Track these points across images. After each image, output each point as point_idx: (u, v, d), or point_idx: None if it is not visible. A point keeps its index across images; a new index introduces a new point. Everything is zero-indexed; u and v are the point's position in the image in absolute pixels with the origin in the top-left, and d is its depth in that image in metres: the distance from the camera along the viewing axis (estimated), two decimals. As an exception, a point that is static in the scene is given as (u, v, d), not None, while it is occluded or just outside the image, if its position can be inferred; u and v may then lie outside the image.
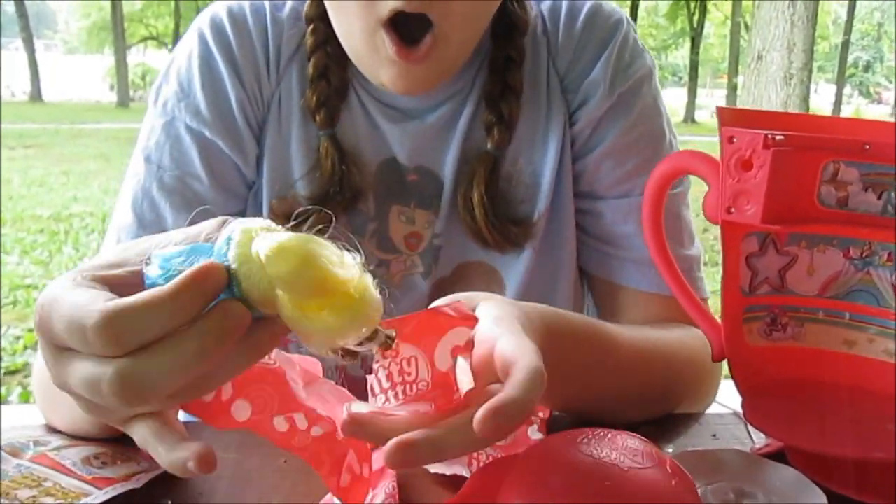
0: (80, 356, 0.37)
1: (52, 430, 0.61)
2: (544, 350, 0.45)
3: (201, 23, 0.80)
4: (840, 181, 0.59)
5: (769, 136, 0.56)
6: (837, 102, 26.78)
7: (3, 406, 2.88)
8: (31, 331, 3.65)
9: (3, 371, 3.21)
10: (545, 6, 0.83)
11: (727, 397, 0.72)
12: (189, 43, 0.80)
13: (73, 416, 0.59)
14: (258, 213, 0.80)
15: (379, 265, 0.80)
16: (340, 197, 0.77)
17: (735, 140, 0.57)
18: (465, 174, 0.79)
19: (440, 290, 0.80)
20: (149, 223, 0.75)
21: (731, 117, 0.60)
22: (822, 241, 0.63)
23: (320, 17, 0.77)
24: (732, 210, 0.58)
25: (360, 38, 0.70)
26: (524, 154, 0.80)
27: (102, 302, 0.36)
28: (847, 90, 33.25)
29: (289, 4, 0.81)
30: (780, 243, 0.63)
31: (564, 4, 0.82)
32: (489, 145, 0.78)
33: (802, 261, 0.64)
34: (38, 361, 0.64)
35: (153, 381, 0.35)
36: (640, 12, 30.22)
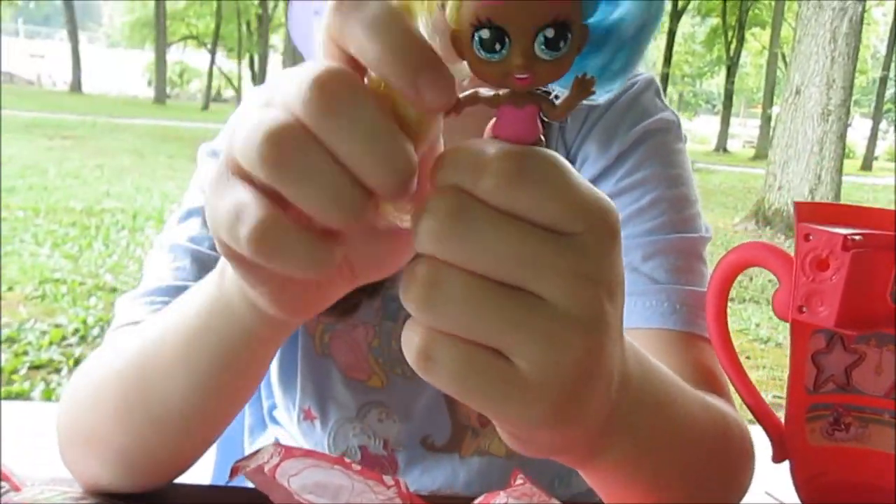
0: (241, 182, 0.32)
1: (88, 490, 0.60)
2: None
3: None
4: (915, 280, 0.57)
5: (849, 237, 0.54)
6: (873, 138, 26.48)
7: (26, 402, 2.91)
8: (57, 326, 3.69)
9: (28, 365, 3.23)
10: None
11: (782, 492, 0.69)
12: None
13: (98, 466, 0.57)
14: None
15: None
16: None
17: (811, 238, 0.56)
18: None
19: None
20: None
21: (807, 212, 0.58)
22: (893, 341, 0.61)
23: None
24: (804, 309, 0.56)
25: None
26: None
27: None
28: (883, 125, 32.85)
29: None
30: (849, 341, 0.61)
31: None
32: None
33: (871, 359, 0.62)
34: (63, 402, 0.61)
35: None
36: (678, 38, 30.16)
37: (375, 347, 0.78)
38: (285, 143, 0.29)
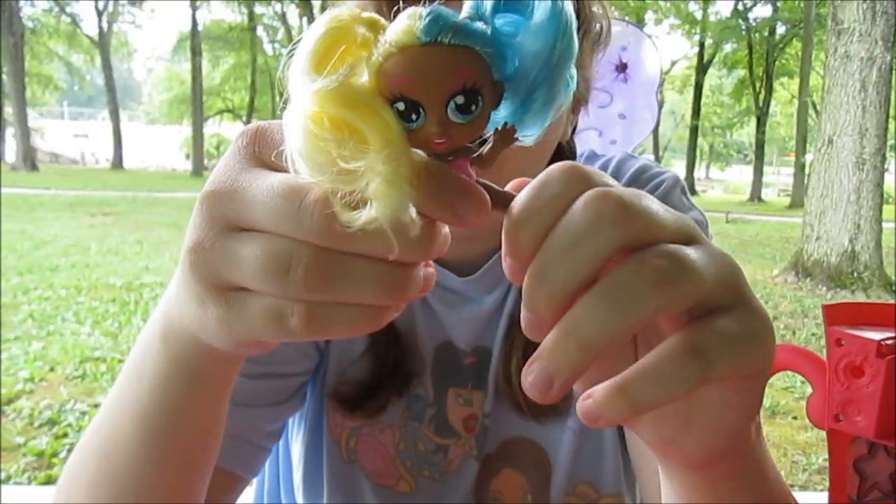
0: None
1: None
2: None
3: None
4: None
5: (883, 343, 0.52)
6: (911, 184, 26.00)
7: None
8: (97, 406, 3.72)
9: (67, 448, 3.25)
10: (595, 167, 0.81)
11: None
12: None
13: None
14: (322, 387, 0.78)
15: (436, 451, 0.77)
16: (392, 383, 0.75)
17: (843, 343, 0.54)
18: (507, 346, 0.76)
19: (486, 468, 0.77)
20: None
21: (835, 314, 0.57)
22: (939, 443, 0.58)
23: None
24: (841, 418, 0.54)
25: None
26: None
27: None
28: (922, 170, 32.28)
29: None
30: (892, 445, 0.58)
31: (612, 165, 0.80)
32: None
33: (917, 464, 0.58)
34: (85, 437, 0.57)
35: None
36: (705, 90, 30.29)
37: (402, 451, 0.76)
38: (319, 271, 0.31)
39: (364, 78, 0.29)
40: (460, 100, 0.28)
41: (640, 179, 0.78)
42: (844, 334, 0.54)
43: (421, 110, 0.28)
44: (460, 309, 0.77)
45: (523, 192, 0.32)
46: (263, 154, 0.35)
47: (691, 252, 0.31)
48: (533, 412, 0.74)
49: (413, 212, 0.29)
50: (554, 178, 0.32)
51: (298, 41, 0.30)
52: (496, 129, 0.31)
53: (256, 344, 0.38)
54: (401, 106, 0.29)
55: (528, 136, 0.32)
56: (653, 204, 0.32)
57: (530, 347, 0.78)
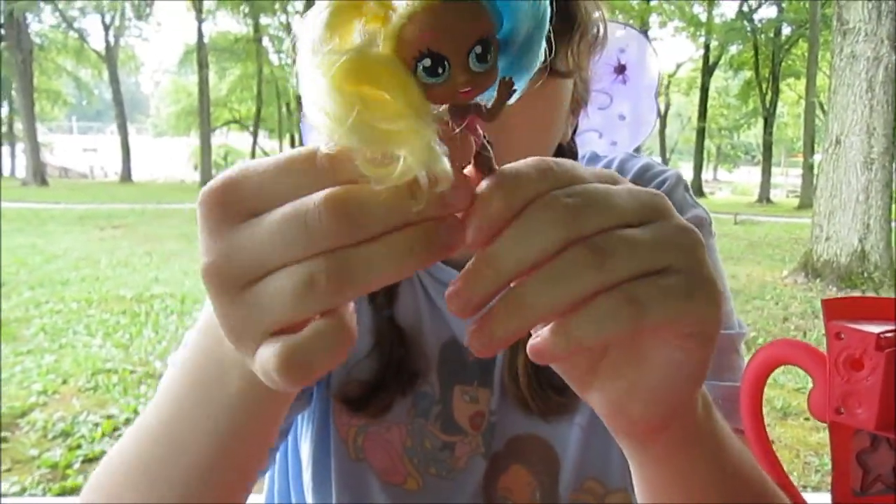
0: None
1: None
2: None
3: None
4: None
5: (882, 336, 0.53)
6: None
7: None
8: (109, 417, 3.75)
9: (81, 459, 3.27)
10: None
11: None
12: None
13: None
14: (328, 387, 0.79)
15: (443, 448, 0.78)
16: (396, 383, 0.76)
17: (843, 336, 0.54)
18: (512, 344, 0.76)
19: (494, 465, 0.78)
20: None
21: (835, 309, 0.57)
22: (942, 435, 0.58)
23: None
24: (842, 411, 0.55)
25: None
26: None
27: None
28: (932, 168, 32.08)
29: None
30: (894, 438, 0.59)
31: (615, 165, 0.81)
32: None
33: (920, 456, 0.59)
34: (119, 445, 0.57)
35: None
36: (711, 92, 30.24)
37: (409, 448, 0.77)
38: (340, 271, 0.32)
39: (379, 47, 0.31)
40: (479, 49, 0.31)
41: (643, 178, 0.79)
42: (844, 328, 0.54)
43: (446, 64, 0.31)
44: None
45: (504, 167, 0.34)
46: (240, 205, 0.34)
47: (637, 233, 0.34)
48: (539, 409, 0.75)
49: (446, 162, 0.31)
50: (529, 163, 0.35)
51: (311, 8, 0.31)
52: (499, 80, 0.34)
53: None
54: (427, 62, 0.30)
55: (519, 90, 0.35)
56: (610, 198, 0.34)
57: None
